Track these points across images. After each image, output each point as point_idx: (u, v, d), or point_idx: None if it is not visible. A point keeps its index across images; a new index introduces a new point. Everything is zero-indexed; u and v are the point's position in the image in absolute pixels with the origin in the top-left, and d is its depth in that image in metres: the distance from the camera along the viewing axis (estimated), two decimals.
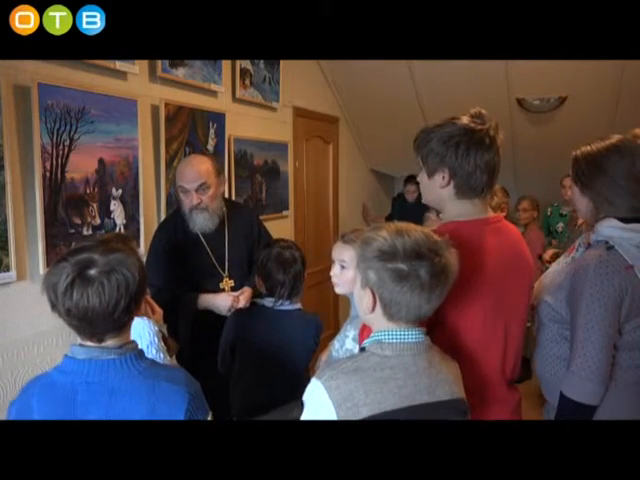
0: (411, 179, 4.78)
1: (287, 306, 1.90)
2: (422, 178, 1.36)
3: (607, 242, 1.40)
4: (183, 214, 2.15)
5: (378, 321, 1.07)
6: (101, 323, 1.00)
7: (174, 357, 1.49)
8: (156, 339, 1.39)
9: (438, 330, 1.21)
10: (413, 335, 1.05)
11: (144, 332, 1.37)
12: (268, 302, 1.91)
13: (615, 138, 1.46)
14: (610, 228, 1.41)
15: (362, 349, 1.09)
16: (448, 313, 1.21)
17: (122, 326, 1.03)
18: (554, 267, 1.61)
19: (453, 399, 1.07)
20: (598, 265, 1.36)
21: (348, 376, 1.01)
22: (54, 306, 0.99)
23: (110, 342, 1.04)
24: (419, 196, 4.77)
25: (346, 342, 1.57)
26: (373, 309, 1.06)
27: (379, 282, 1.03)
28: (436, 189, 1.32)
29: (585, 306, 1.35)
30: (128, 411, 0.98)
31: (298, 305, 1.93)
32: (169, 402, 1.00)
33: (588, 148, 1.47)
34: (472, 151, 1.25)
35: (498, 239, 1.31)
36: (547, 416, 1.54)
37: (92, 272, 0.97)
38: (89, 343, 1.03)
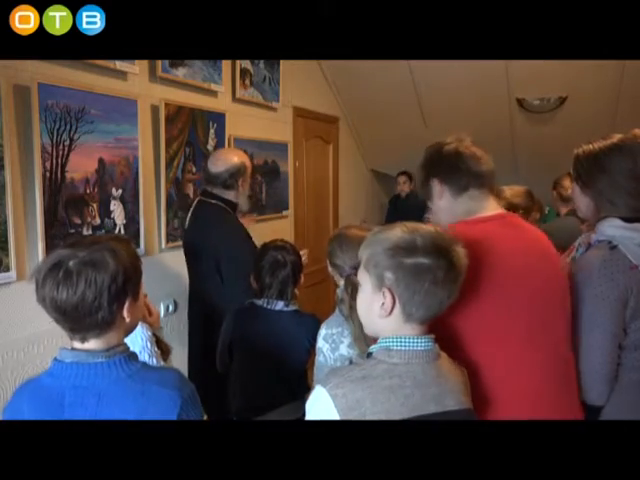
0: (403, 172, 4.81)
1: (282, 307, 1.88)
2: (435, 206, 1.41)
3: (610, 242, 1.38)
4: (234, 201, 2.25)
5: (393, 325, 1.03)
6: (76, 318, 0.98)
7: (169, 360, 1.48)
8: (149, 344, 1.37)
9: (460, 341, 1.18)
10: (422, 342, 1.02)
11: (136, 337, 1.35)
12: (261, 302, 1.90)
13: (616, 137, 1.44)
14: (613, 227, 1.39)
15: (369, 355, 1.06)
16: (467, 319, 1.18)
17: (104, 325, 1.00)
18: None
19: (461, 409, 1.04)
20: (602, 265, 1.34)
21: (355, 384, 0.98)
22: (36, 293, 0.99)
23: (94, 343, 1.01)
24: (411, 190, 4.82)
25: (340, 347, 1.56)
26: (391, 311, 1.02)
27: (396, 281, 1.00)
28: (441, 203, 1.38)
29: (590, 305, 1.34)
30: (117, 415, 0.97)
31: (294, 307, 1.91)
32: (160, 406, 0.98)
33: (590, 147, 1.46)
34: (445, 156, 1.39)
35: (514, 232, 1.31)
36: None
37: (67, 265, 0.96)
38: (77, 345, 1.02)
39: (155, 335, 1.44)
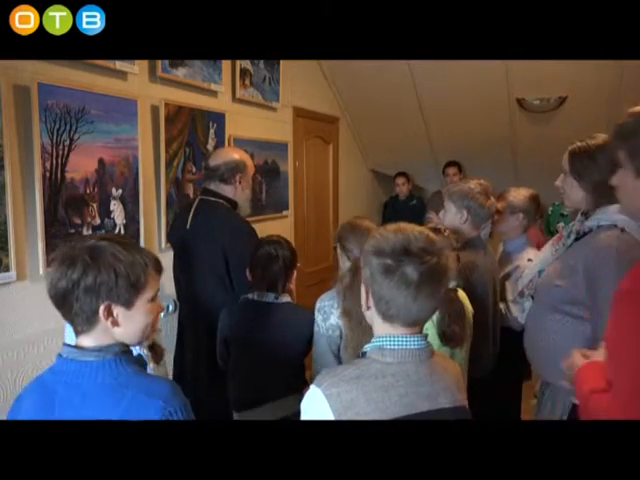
0: (401, 174, 4.80)
1: (272, 299, 1.91)
2: (623, 179, 1.13)
3: (615, 225, 1.50)
4: (234, 200, 2.24)
5: (375, 321, 1.07)
6: (59, 307, 1.01)
7: (163, 362, 1.47)
8: (138, 346, 1.37)
9: None
10: (415, 341, 1.03)
11: None
12: (252, 296, 1.94)
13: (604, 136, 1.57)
14: (614, 214, 1.51)
15: (363, 354, 1.07)
16: None
17: (83, 321, 1.01)
18: (546, 255, 1.74)
19: (455, 406, 1.06)
20: (621, 245, 1.45)
21: (349, 384, 0.99)
22: None
23: (86, 339, 1.02)
24: (410, 191, 4.81)
25: (331, 317, 1.74)
26: (368, 306, 1.07)
27: (371, 277, 1.03)
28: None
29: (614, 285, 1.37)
30: (98, 417, 0.96)
31: (286, 299, 1.95)
32: (140, 414, 0.96)
33: (584, 144, 1.60)
34: None
35: None
36: (546, 400, 1.65)
37: (57, 258, 1.01)
38: (76, 342, 1.04)
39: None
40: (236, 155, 2.28)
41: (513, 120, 4.16)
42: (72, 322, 1.03)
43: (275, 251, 1.92)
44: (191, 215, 2.23)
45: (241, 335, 1.92)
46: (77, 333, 1.04)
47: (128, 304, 1.03)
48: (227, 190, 2.23)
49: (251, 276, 1.96)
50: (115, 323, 1.02)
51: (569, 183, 1.64)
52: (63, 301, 1.00)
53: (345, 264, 1.80)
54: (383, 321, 1.05)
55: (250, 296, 1.94)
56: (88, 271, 0.98)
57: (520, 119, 4.15)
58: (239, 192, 2.25)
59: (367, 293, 1.06)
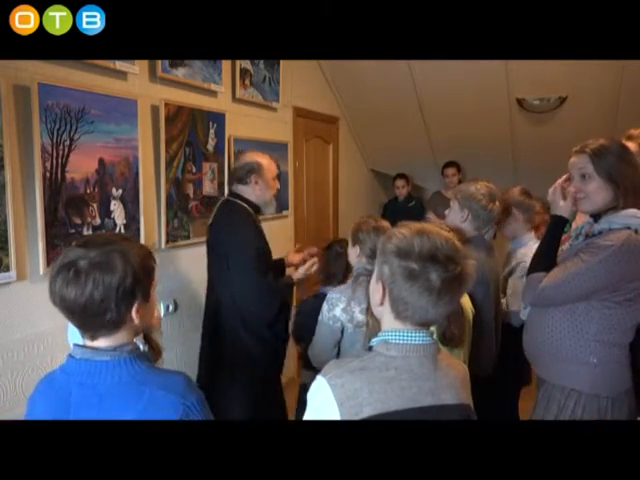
0: (401, 175, 4.80)
1: (327, 290, 2.14)
2: None
3: (629, 227, 1.51)
4: (255, 202, 2.39)
5: (386, 317, 1.07)
6: (85, 318, 0.98)
7: (162, 361, 1.46)
8: (139, 345, 1.37)
9: None
10: (420, 337, 1.04)
11: None
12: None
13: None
14: (629, 217, 1.52)
15: (369, 348, 1.09)
16: None
17: (112, 326, 1.00)
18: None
19: (458, 404, 1.06)
20: (633, 242, 1.49)
21: (354, 375, 1.01)
22: (49, 291, 0.99)
23: (103, 341, 1.01)
24: (409, 193, 4.81)
25: (335, 310, 1.86)
26: (382, 302, 1.07)
27: (391, 278, 1.03)
28: None
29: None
30: (117, 416, 0.96)
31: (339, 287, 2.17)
32: (159, 410, 0.97)
33: (599, 145, 1.56)
34: None
35: None
36: (541, 398, 1.69)
37: (77, 265, 0.96)
38: (87, 342, 1.02)
39: (146, 336, 1.43)
40: (252, 157, 2.44)
41: (513, 120, 4.16)
42: (98, 329, 1.00)
43: (340, 248, 2.21)
44: (213, 213, 2.46)
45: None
46: (93, 338, 1.01)
47: (147, 297, 1.04)
48: (245, 191, 2.38)
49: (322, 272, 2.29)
50: (142, 319, 1.03)
51: (596, 185, 1.56)
52: (97, 310, 0.96)
53: (362, 260, 1.92)
54: (395, 319, 1.05)
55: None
56: (127, 275, 0.97)
57: (520, 119, 4.15)
58: (257, 192, 2.39)
59: (383, 291, 1.05)
